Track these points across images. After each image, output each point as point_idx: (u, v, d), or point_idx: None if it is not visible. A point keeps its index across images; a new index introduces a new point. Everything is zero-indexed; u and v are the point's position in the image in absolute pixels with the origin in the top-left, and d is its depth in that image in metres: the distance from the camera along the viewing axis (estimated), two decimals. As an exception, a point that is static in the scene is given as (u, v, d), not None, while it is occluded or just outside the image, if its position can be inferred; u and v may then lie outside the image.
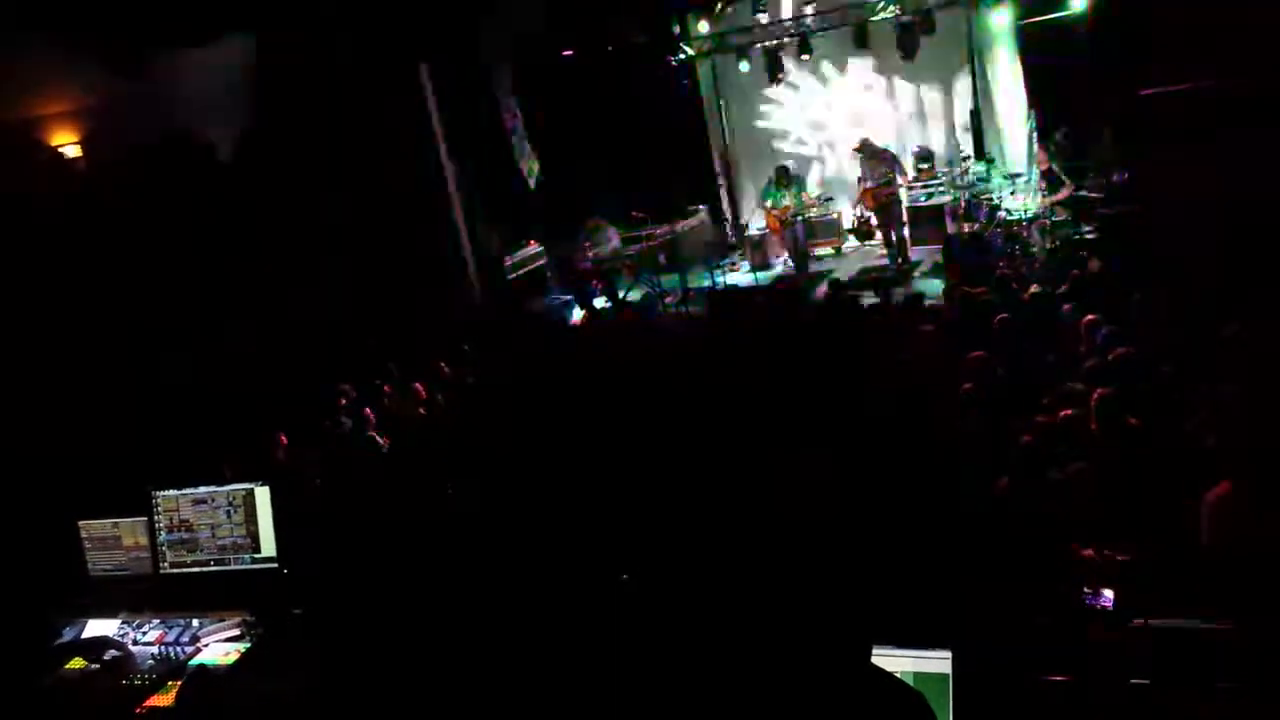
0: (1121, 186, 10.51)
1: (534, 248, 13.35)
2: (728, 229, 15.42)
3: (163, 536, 4.27)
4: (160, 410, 7.92)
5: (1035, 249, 11.10)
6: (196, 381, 8.42)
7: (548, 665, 3.47)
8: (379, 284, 10.66)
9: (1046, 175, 11.29)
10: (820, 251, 13.94)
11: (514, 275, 12.80)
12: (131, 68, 8.88)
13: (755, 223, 14.49)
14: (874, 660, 2.33)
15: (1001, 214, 11.56)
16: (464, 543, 5.04)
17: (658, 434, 7.00)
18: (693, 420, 7.09)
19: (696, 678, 2.87)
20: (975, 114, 13.34)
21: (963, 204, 12.44)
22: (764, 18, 13.83)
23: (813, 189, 14.27)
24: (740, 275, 13.95)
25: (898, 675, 2.39)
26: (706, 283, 13.26)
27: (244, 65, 9.80)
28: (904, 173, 12.79)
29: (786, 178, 13.18)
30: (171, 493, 4.26)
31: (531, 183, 13.71)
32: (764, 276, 13.35)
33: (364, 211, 10.64)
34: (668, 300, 12.64)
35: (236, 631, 3.89)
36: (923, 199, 13.07)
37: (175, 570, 4.27)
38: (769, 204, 13.17)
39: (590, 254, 12.95)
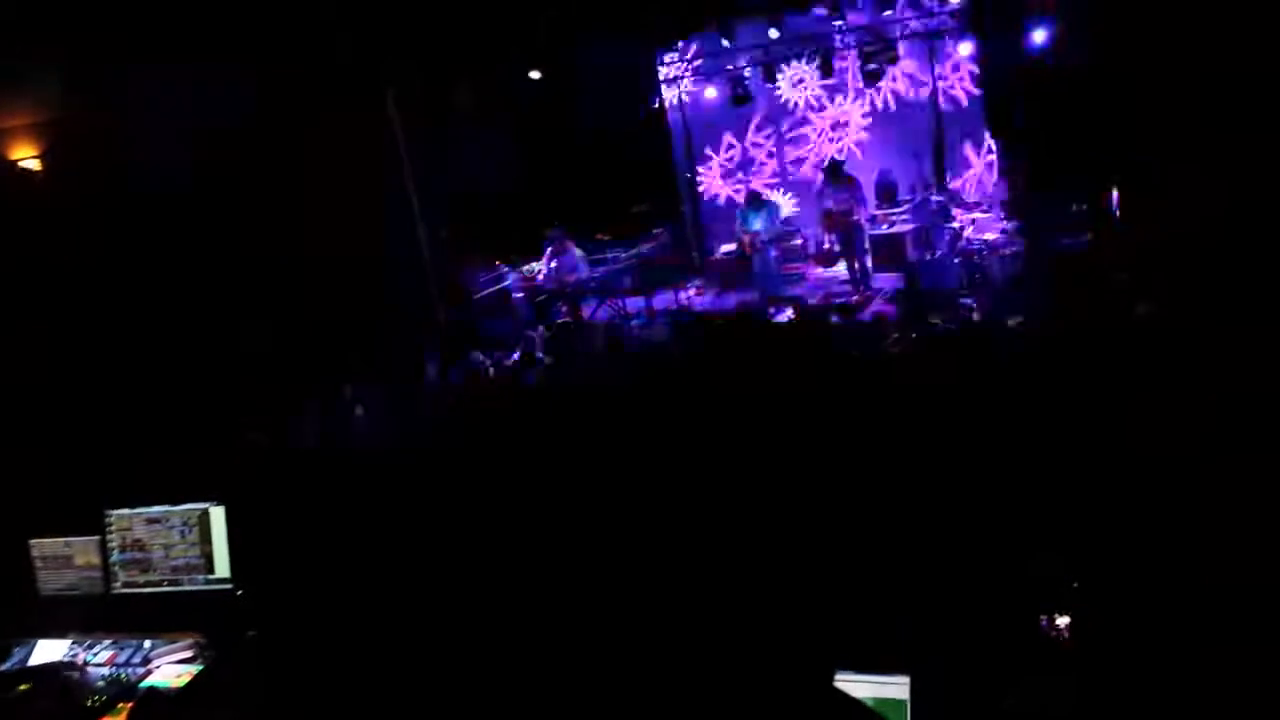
0: (1080, 216, 10.69)
1: (500, 268, 13.33)
2: (693, 253, 15.51)
3: (115, 556, 4.21)
4: (116, 427, 7.81)
5: (995, 277, 11.27)
6: (151, 402, 8.31)
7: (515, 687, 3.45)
8: (341, 307, 10.58)
9: (1006, 205, 11.48)
10: (785, 276, 14.06)
11: (479, 295, 12.78)
12: (96, 83, 8.81)
13: (721, 247, 14.59)
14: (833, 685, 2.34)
15: (962, 243, 11.70)
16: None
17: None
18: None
19: (662, 701, 2.86)
20: (938, 143, 13.55)
21: (925, 232, 12.60)
22: (729, 43, 14.02)
23: (784, 212, 14.44)
24: (705, 299, 14.02)
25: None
26: (671, 306, 13.33)
27: (207, 88, 9.74)
28: (865, 201, 12.94)
29: (759, 202, 13.27)
30: (125, 511, 4.20)
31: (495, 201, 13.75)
32: (729, 301, 13.43)
33: (326, 234, 10.56)
34: (632, 323, 12.68)
35: (189, 653, 3.84)
36: (884, 227, 13.23)
37: (127, 590, 4.21)
38: (742, 226, 13.26)
39: (555, 275, 12.94)
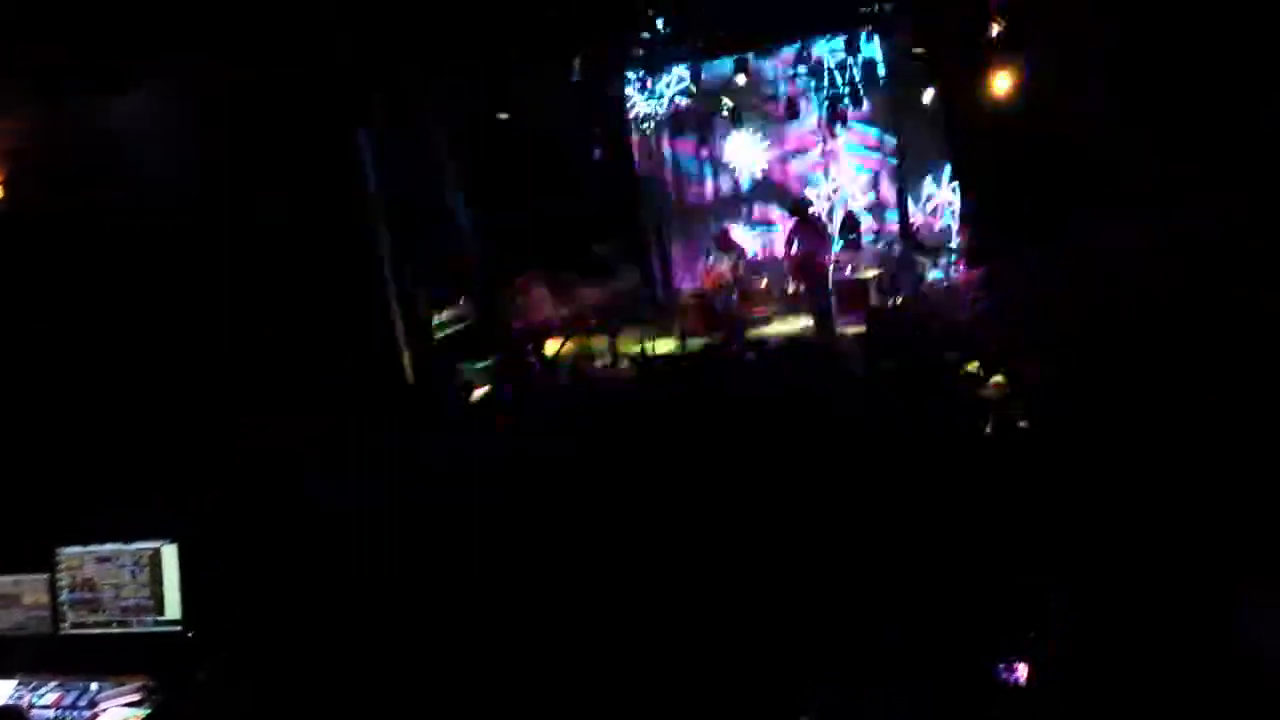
0: (1035, 264, 10.84)
1: (464, 306, 13.32)
2: (659, 293, 15.57)
3: (64, 595, 4.15)
4: (68, 463, 7.69)
5: (957, 321, 11.38)
6: (104, 437, 8.19)
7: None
8: (301, 344, 10.48)
9: (967, 251, 11.64)
10: (748, 319, 14.13)
11: (443, 335, 12.74)
12: (59, 107, 8.76)
13: (687, 287, 14.69)
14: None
15: (924, 287, 11.85)
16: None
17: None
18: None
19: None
20: (901, 189, 13.73)
21: (888, 276, 12.75)
22: (696, 87, 14.22)
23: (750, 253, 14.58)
24: (670, 340, 14.05)
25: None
26: (635, 347, 13.36)
27: (172, 115, 9.70)
28: (830, 244, 13.07)
29: (728, 243, 13.41)
30: (76, 549, 4.14)
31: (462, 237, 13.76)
32: (694, 342, 13.47)
33: (289, 268, 10.49)
34: (597, 363, 12.69)
35: (136, 696, 3.78)
36: (848, 271, 13.36)
37: (76, 631, 4.14)
38: (710, 264, 13.39)
39: (523, 316, 12.99)
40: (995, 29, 11.25)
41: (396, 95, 11.92)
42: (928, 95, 13.26)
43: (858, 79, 13.50)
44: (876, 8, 12.39)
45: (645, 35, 13.10)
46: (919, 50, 12.64)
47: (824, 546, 5.22)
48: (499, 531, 5.87)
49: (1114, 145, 10.23)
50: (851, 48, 13.14)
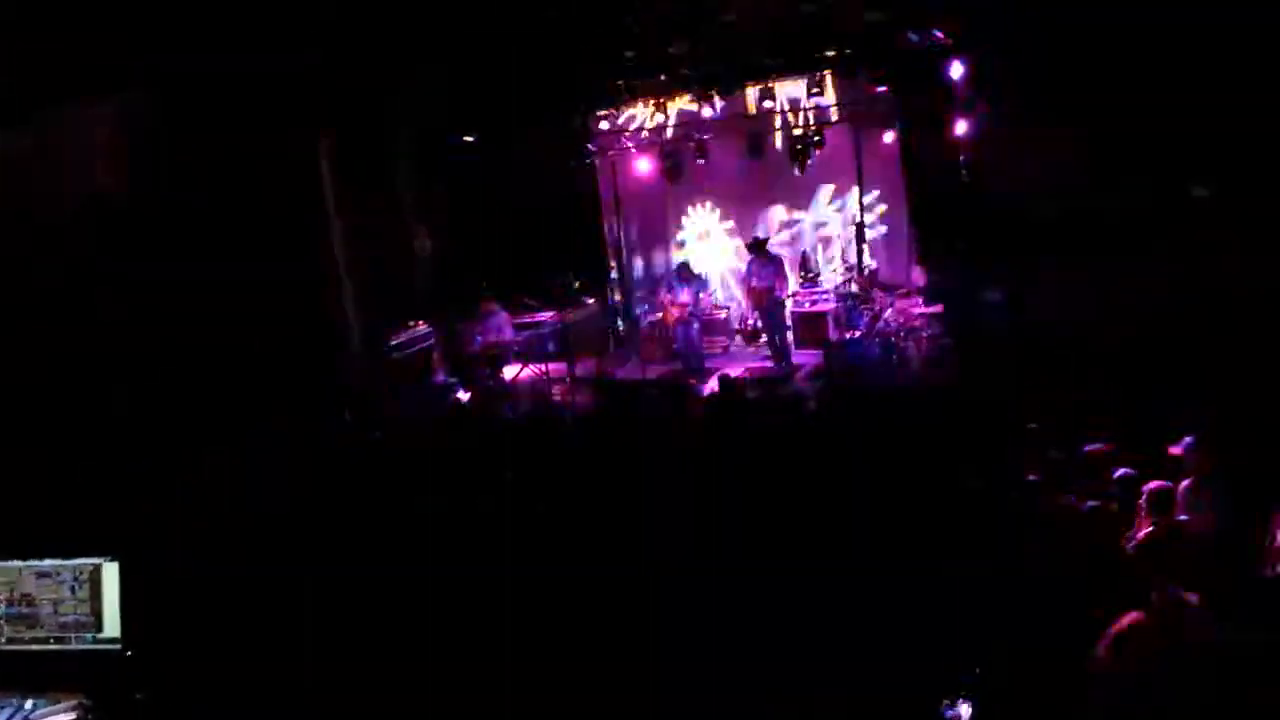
0: (993, 305, 11.01)
1: (422, 328, 13.26)
2: (619, 321, 15.61)
3: (1, 610, 4.07)
4: (9, 473, 7.55)
5: (911, 358, 11.52)
6: (46, 451, 8.05)
7: None
8: (257, 357, 10.36)
9: (923, 289, 11.78)
10: (708, 350, 14.19)
11: (399, 355, 12.64)
12: (21, 120, 8.66)
13: (647, 316, 14.74)
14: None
15: (880, 324, 11.97)
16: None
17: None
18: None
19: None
20: (860, 226, 13.88)
21: (845, 312, 12.88)
22: (663, 119, 14.33)
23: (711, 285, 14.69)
24: (629, 368, 14.08)
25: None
26: (593, 373, 13.36)
27: (134, 124, 9.61)
28: (787, 279, 13.17)
29: (689, 274, 13.48)
30: (14, 564, 4.06)
31: (422, 260, 13.71)
32: (651, 370, 13.50)
33: (245, 279, 10.36)
34: (555, 389, 12.67)
35: (72, 715, 3.72)
36: (806, 305, 13.49)
37: (12, 647, 4.05)
38: (670, 297, 13.43)
39: (480, 339, 12.98)
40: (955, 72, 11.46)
41: (360, 109, 11.88)
42: (888, 136, 13.46)
43: (820, 119, 13.65)
44: (838, 50, 12.53)
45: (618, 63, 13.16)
46: (879, 92, 12.80)
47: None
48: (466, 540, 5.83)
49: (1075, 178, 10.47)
50: (814, 88, 13.30)
